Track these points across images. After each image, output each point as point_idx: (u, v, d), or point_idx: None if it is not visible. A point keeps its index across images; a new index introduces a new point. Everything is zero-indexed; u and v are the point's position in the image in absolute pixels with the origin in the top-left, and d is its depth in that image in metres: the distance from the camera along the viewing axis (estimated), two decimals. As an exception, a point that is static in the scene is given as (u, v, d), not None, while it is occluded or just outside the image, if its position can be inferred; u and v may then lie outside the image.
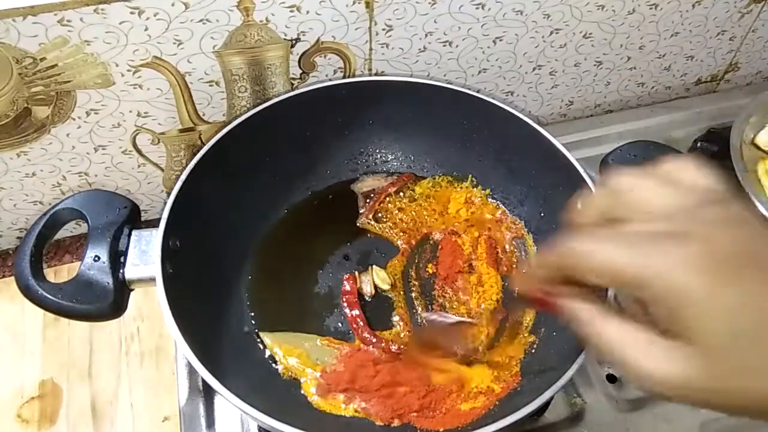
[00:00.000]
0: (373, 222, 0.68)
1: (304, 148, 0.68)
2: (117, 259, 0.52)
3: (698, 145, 0.79)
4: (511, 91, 0.79)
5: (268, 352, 0.58)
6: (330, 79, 0.69)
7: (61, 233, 0.59)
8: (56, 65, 0.57)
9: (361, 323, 0.60)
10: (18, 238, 0.73)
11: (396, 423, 0.54)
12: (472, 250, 0.66)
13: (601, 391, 0.62)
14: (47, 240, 0.53)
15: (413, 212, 0.69)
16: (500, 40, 0.72)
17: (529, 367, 0.57)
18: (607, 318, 0.34)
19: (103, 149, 0.66)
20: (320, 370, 0.57)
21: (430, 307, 0.62)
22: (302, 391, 0.56)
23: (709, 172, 0.34)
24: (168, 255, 0.53)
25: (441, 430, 0.52)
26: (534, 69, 0.77)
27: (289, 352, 0.58)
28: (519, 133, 0.63)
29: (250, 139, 0.62)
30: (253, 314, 0.61)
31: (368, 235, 0.67)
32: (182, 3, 0.56)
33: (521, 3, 0.68)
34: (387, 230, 0.68)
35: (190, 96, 0.65)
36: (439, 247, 0.66)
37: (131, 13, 0.55)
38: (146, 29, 0.57)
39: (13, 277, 0.51)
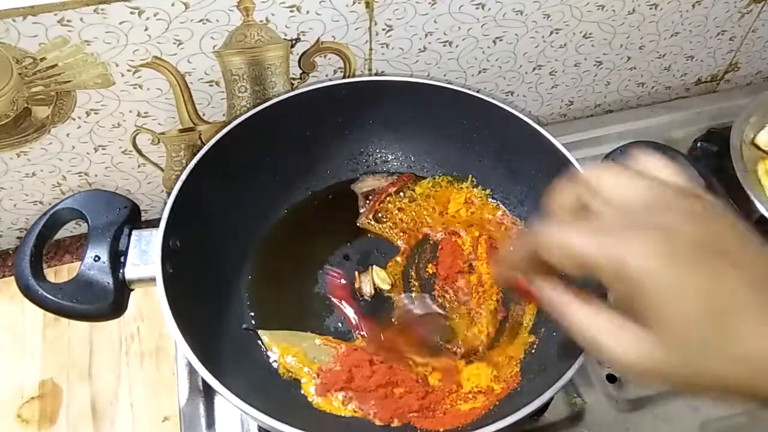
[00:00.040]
0: (373, 222, 0.68)
1: (304, 148, 0.68)
2: (117, 259, 0.52)
3: (698, 145, 0.79)
4: (511, 91, 0.79)
5: (268, 352, 0.58)
6: (330, 79, 0.69)
7: (61, 233, 0.59)
8: (56, 65, 0.57)
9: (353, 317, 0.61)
10: (18, 238, 0.73)
11: (396, 423, 0.54)
12: (472, 250, 0.65)
13: (601, 391, 0.62)
14: (47, 240, 0.53)
15: (413, 212, 0.69)
16: (500, 40, 0.72)
17: (529, 367, 0.57)
18: (581, 303, 0.35)
19: (103, 149, 0.66)
20: (317, 369, 0.57)
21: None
22: (302, 391, 0.56)
23: (683, 171, 0.35)
24: (168, 255, 0.53)
25: (441, 430, 0.52)
26: (534, 69, 0.77)
27: (286, 351, 0.58)
28: (519, 133, 0.63)
29: (250, 139, 0.62)
30: (253, 314, 0.61)
31: (368, 235, 0.67)
32: (182, 3, 0.56)
33: (521, 3, 0.68)
34: (387, 230, 0.68)
35: (190, 96, 0.65)
36: (439, 247, 0.66)
37: (131, 13, 0.55)
38: (146, 29, 0.57)
39: (13, 277, 0.51)
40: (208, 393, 0.61)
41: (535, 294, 0.38)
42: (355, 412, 0.55)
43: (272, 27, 0.62)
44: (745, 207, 0.67)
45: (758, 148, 0.75)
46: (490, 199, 0.69)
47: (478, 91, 0.66)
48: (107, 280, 0.51)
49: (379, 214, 0.69)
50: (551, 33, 0.73)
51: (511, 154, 0.67)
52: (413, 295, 0.60)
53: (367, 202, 0.69)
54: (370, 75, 0.71)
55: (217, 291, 0.60)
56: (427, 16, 0.66)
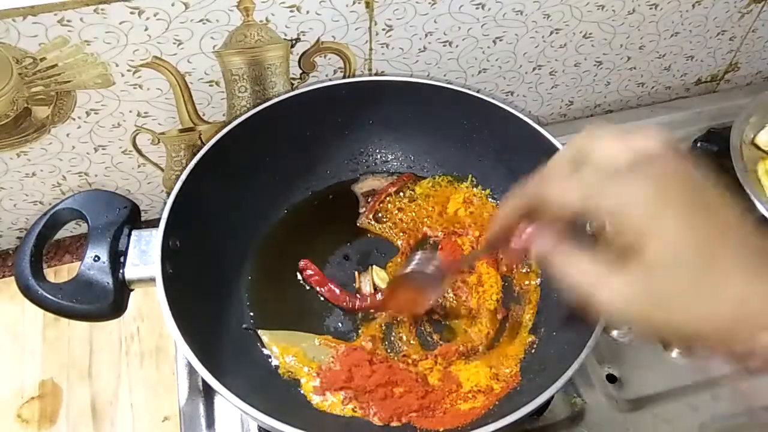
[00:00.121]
0: (373, 222, 0.68)
1: (304, 148, 0.68)
2: (117, 259, 0.52)
3: (698, 145, 0.79)
4: (511, 91, 0.79)
5: (268, 352, 0.58)
6: (330, 79, 0.69)
7: (61, 233, 0.59)
8: (56, 65, 0.57)
9: (336, 290, 0.62)
10: (18, 238, 0.73)
11: (395, 423, 0.54)
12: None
13: (601, 391, 0.62)
14: (47, 240, 0.53)
15: (413, 212, 0.69)
16: (500, 40, 0.72)
17: (529, 367, 0.57)
18: (572, 253, 0.37)
19: (103, 149, 0.66)
20: (317, 369, 0.57)
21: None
22: (302, 391, 0.56)
23: (671, 142, 0.37)
24: (168, 255, 0.53)
25: (441, 429, 0.52)
26: (534, 69, 0.77)
27: (286, 350, 0.58)
28: (519, 133, 0.63)
29: (250, 139, 0.62)
30: (252, 314, 0.61)
31: (368, 235, 0.68)
32: (182, 3, 0.56)
33: (521, 3, 0.68)
34: (387, 230, 0.68)
35: (190, 96, 0.65)
36: (439, 247, 0.66)
37: (131, 13, 0.55)
38: (146, 29, 0.57)
39: (13, 277, 0.51)
40: (208, 393, 0.61)
41: (528, 247, 0.40)
42: (354, 411, 0.55)
43: (272, 27, 0.62)
44: (745, 207, 0.67)
45: (758, 148, 0.75)
46: (489, 199, 0.69)
47: (478, 91, 0.66)
48: (107, 280, 0.51)
49: (379, 214, 0.69)
50: (551, 33, 0.73)
51: (511, 154, 0.67)
52: (419, 255, 0.59)
53: (368, 202, 0.69)
54: (370, 75, 0.71)
55: (217, 291, 0.60)
56: (427, 16, 0.66)
